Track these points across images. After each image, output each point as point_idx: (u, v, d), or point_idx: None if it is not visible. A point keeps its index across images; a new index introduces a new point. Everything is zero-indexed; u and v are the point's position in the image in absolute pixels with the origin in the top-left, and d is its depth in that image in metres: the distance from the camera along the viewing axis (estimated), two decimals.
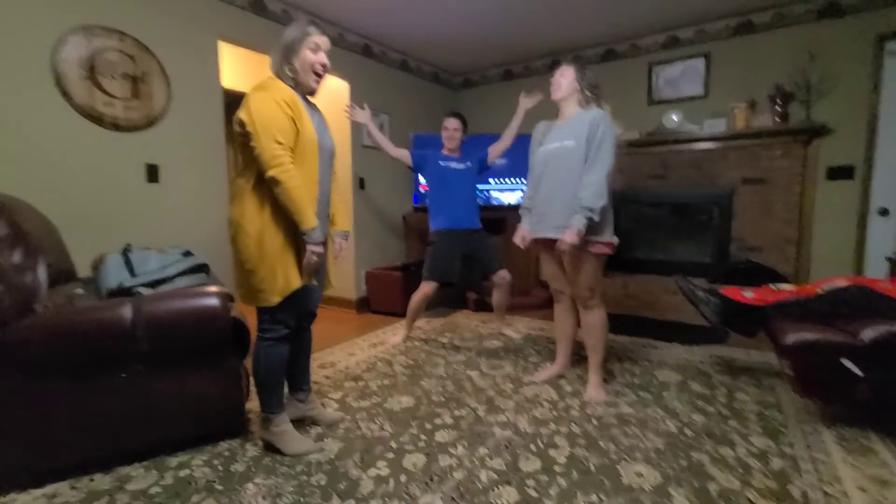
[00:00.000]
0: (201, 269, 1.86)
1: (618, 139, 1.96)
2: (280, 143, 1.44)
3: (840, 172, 3.22)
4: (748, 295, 2.14)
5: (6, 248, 1.47)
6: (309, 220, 1.48)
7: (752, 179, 3.43)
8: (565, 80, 2.03)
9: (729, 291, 2.19)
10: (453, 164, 2.94)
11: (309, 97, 1.67)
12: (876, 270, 3.02)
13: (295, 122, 1.49)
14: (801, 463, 1.56)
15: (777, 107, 3.30)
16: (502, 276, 2.99)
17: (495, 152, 3.04)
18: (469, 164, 2.99)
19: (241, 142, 1.49)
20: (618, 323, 3.19)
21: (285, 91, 1.51)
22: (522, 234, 2.21)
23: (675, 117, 3.59)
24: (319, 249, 1.52)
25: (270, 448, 1.65)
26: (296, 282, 1.54)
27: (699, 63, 3.65)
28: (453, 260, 2.88)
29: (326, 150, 1.62)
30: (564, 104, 2.08)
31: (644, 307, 3.61)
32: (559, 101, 2.09)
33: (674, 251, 3.88)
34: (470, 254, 2.93)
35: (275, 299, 1.52)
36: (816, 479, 1.47)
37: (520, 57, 4.38)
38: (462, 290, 3.89)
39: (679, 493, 1.41)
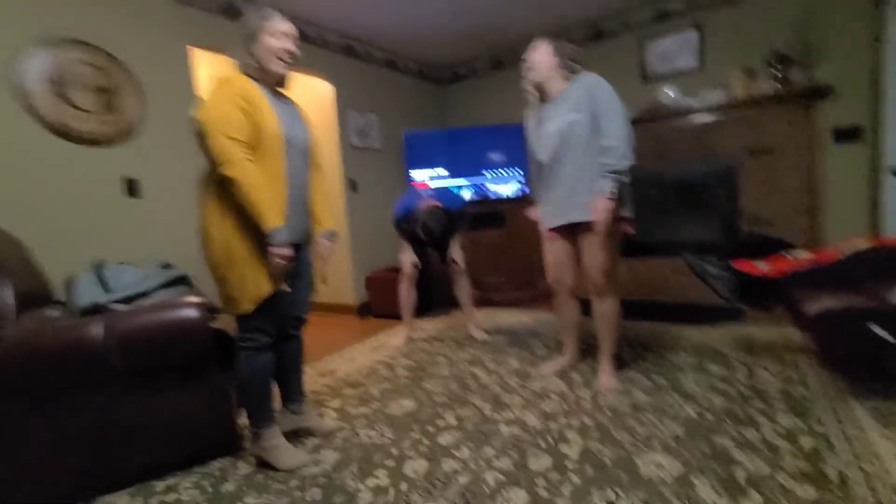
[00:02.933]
0: (181, 281, 1.78)
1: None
2: (233, 139, 1.33)
3: (847, 134, 3.07)
4: (763, 267, 2.01)
5: None
6: (269, 220, 1.36)
7: (756, 150, 3.29)
8: (539, 55, 1.88)
9: (742, 265, 2.06)
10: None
11: (280, 89, 1.58)
12: (894, 230, 2.87)
13: (253, 116, 1.38)
14: (835, 441, 1.44)
15: (776, 72, 3.17)
16: (457, 269, 2.84)
17: None
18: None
19: (200, 144, 1.39)
20: (625, 309, 3.06)
21: (239, 84, 1.40)
22: (536, 212, 2.13)
23: (670, 92, 3.47)
24: (284, 252, 1.40)
25: (263, 464, 1.56)
26: (266, 288, 1.43)
27: (692, 35, 3.52)
28: (406, 245, 2.78)
29: (297, 145, 1.52)
30: (548, 84, 1.91)
31: (652, 291, 3.47)
32: (541, 83, 1.92)
33: (680, 231, 3.74)
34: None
35: (247, 307, 1.43)
36: (853, 457, 1.35)
37: (507, 45, 4.27)
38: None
39: (703, 483, 1.29)
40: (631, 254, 3.71)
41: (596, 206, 1.75)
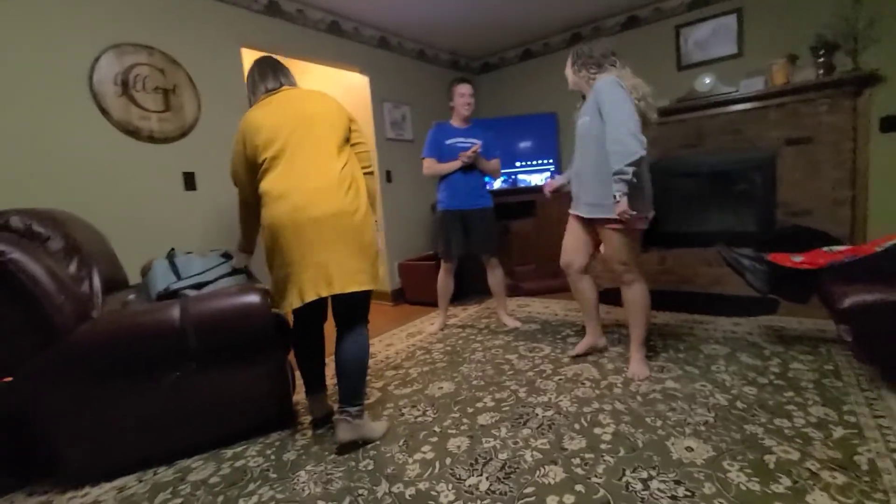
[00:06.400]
0: (241, 270, 1.93)
1: (637, 93, 1.87)
2: None
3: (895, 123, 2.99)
4: (797, 259, 2.02)
5: (63, 259, 1.57)
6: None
7: (796, 139, 3.23)
8: (567, 69, 2.11)
9: (776, 257, 2.08)
10: (459, 143, 2.84)
11: None
12: None
13: None
14: (867, 431, 1.48)
15: (820, 59, 3.08)
16: (491, 260, 2.94)
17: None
18: (475, 142, 2.84)
19: (345, 137, 1.67)
20: (657, 299, 3.08)
21: None
22: (553, 184, 2.35)
23: (707, 80, 3.42)
24: None
25: (351, 445, 1.63)
26: None
27: (731, 20, 3.45)
28: (452, 238, 2.86)
29: None
30: (581, 88, 2.10)
31: (684, 282, 3.49)
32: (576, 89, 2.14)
33: (714, 222, 3.71)
34: (468, 232, 2.87)
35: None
36: (884, 447, 1.39)
37: (538, 35, 4.27)
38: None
39: (734, 467, 1.36)
40: (663, 244, 3.72)
41: (617, 211, 1.83)
